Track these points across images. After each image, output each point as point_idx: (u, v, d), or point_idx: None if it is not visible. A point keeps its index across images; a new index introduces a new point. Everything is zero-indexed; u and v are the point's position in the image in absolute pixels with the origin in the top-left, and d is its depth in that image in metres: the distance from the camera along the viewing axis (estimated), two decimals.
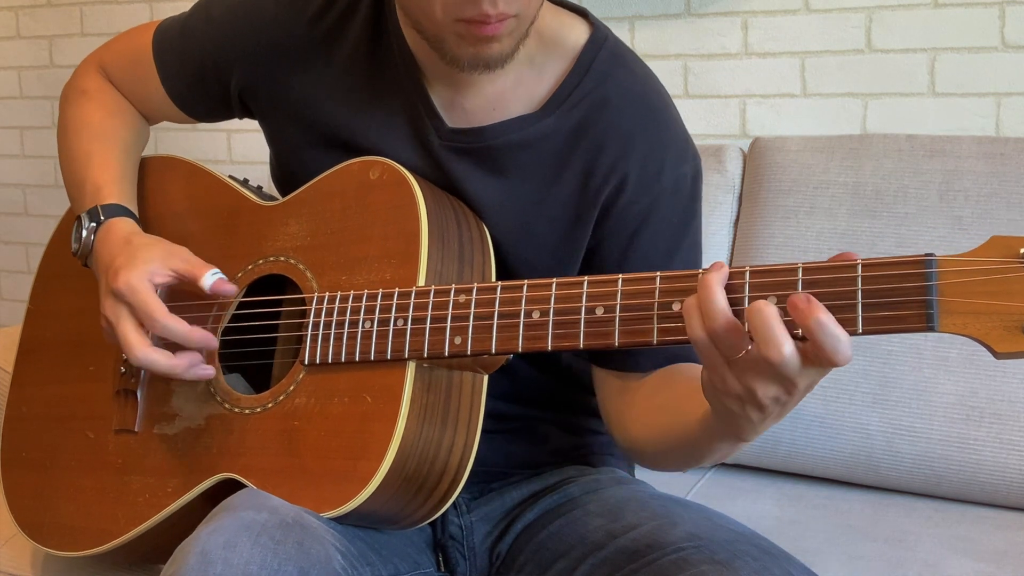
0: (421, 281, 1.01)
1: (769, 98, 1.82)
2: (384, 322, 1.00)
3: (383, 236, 1.05)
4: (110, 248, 1.12)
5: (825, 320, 0.75)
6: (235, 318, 1.13)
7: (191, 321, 1.06)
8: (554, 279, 0.93)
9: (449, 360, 0.99)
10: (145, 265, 1.07)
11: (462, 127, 1.11)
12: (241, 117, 1.25)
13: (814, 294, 0.78)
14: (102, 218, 1.15)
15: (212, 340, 1.07)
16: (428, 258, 1.02)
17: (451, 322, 0.97)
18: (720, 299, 0.80)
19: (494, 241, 1.11)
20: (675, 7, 1.85)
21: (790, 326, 0.77)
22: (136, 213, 1.19)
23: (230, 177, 1.23)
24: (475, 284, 0.98)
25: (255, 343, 1.12)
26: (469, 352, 0.96)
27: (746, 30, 1.81)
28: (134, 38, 1.26)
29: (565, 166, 1.09)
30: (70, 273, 1.24)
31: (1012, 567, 1.26)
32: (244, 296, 1.14)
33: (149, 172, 1.27)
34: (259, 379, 1.14)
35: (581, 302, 0.91)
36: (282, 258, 1.12)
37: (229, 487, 1.03)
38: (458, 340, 0.97)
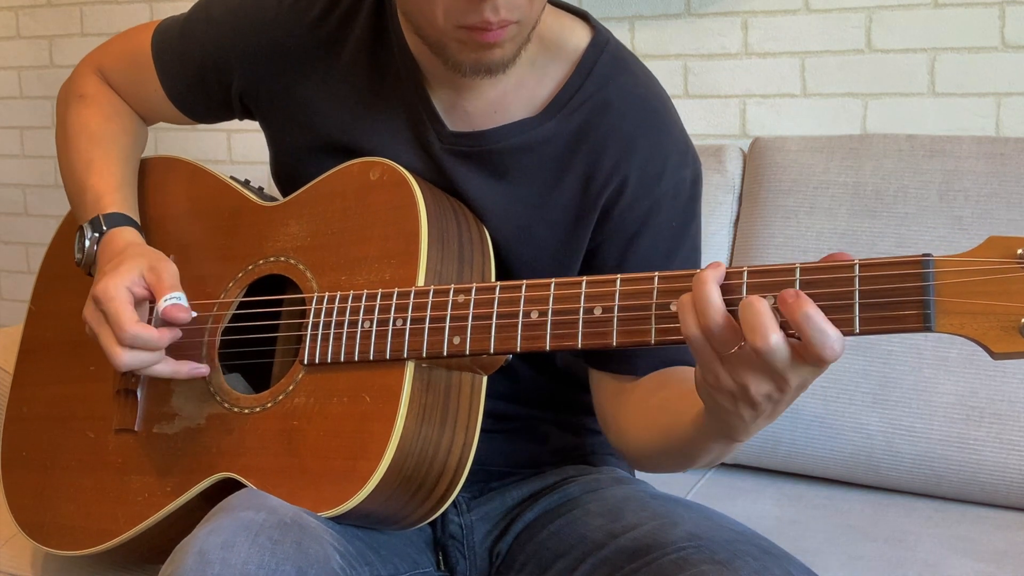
0: (420, 281, 1.01)
1: (769, 98, 1.82)
2: (383, 322, 1.00)
3: (383, 236, 1.05)
4: (108, 256, 1.12)
5: (812, 314, 0.76)
6: (235, 318, 1.13)
7: (192, 321, 1.07)
8: (553, 279, 0.94)
9: (448, 360, 0.99)
10: (128, 273, 1.07)
11: (463, 131, 1.11)
12: (241, 118, 1.25)
13: (811, 295, 0.78)
14: (104, 228, 1.15)
15: (179, 335, 1.07)
16: (428, 258, 1.02)
17: (450, 322, 0.97)
18: (714, 296, 0.80)
19: (494, 244, 1.11)
20: (675, 7, 1.85)
21: (784, 325, 0.78)
22: (138, 219, 1.19)
23: (231, 178, 1.23)
24: (474, 284, 0.98)
25: (255, 343, 1.12)
26: (468, 352, 0.96)
27: (746, 30, 1.81)
28: (132, 39, 1.26)
29: (566, 170, 1.09)
30: (71, 274, 1.24)
31: (1012, 567, 1.26)
32: (245, 296, 1.14)
33: (150, 172, 1.27)
34: (259, 379, 1.14)
35: (579, 302, 0.91)
36: (282, 258, 1.12)
37: (228, 487, 1.03)
38: (457, 340, 0.97)
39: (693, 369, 0.87)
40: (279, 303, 1.13)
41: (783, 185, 1.61)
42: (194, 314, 1.09)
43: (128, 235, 1.15)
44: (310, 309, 1.06)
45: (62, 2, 2.45)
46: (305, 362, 1.04)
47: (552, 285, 0.93)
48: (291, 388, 1.05)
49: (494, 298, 0.96)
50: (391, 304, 1.01)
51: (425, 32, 1.00)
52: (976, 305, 0.75)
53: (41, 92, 2.53)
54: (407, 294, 1.00)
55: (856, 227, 1.53)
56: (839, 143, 1.61)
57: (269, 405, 1.06)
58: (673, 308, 0.86)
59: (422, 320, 0.99)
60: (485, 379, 1.05)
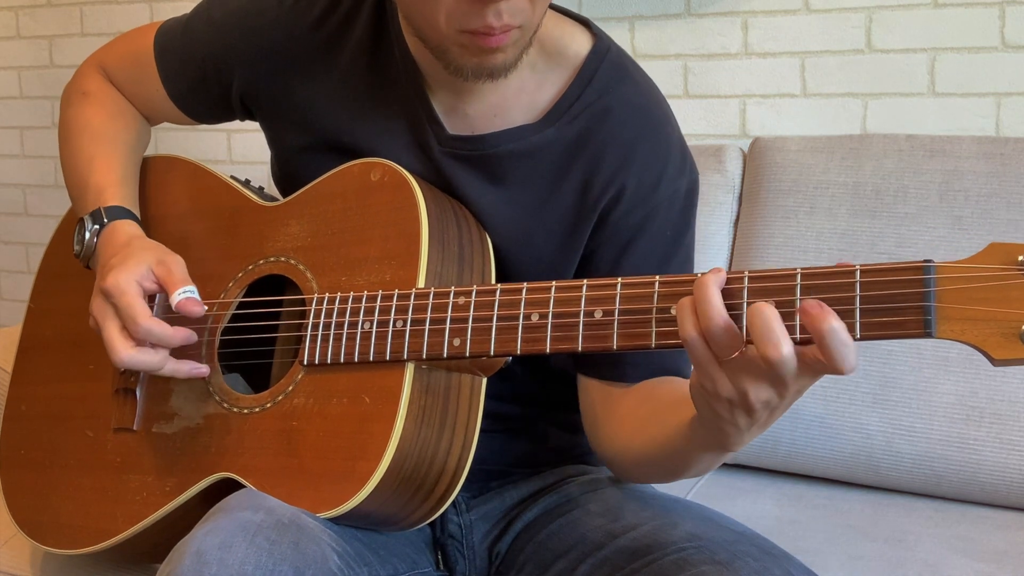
0: (421, 283, 1.01)
1: (769, 98, 1.82)
2: (383, 323, 1.00)
3: (383, 237, 1.05)
4: (111, 249, 1.12)
5: (837, 327, 0.75)
6: (235, 318, 1.13)
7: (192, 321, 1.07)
8: (553, 282, 0.93)
9: (448, 362, 0.99)
10: (137, 267, 1.07)
11: (463, 134, 1.11)
12: (242, 119, 1.25)
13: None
14: (105, 220, 1.15)
15: (193, 338, 1.07)
16: (428, 260, 1.02)
17: (450, 324, 0.97)
18: (715, 299, 0.80)
19: (492, 247, 1.11)
20: (675, 7, 1.85)
21: (789, 329, 0.77)
22: (138, 215, 1.19)
23: (231, 178, 1.23)
24: (474, 286, 0.98)
25: (255, 343, 1.12)
26: (468, 354, 0.96)
27: (746, 30, 1.81)
28: (135, 39, 1.26)
29: (564, 176, 1.09)
30: (71, 272, 1.24)
31: (1012, 567, 1.26)
32: (244, 296, 1.14)
33: (151, 172, 1.27)
34: (258, 379, 1.14)
35: (580, 305, 0.91)
36: (283, 258, 1.12)
37: (227, 487, 1.03)
38: (457, 342, 0.97)
39: (684, 381, 0.87)
40: (279, 303, 1.13)
41: (783, 185, 1.61)
42: (205, 308, 1.09)
43: (130, 228, 1.15)
44: (310, 310, 1.06)
45: (62, 2, 2.45)
46: (305, 363, 1.04)
47: (553, 288, 0.93)
48: (291, 388, 1.05)
49: (494, 300, 0.96)
50: (391, 305, 1.01)
51: (427, 36, 1.00)
52: (977, 311, 0.75)
53: (41, 92, 2.53)
54: (407, 295, 1.00)
55: (856, 227, 1.53)
56: (839, 143, 1.61)
57: (268, 405, 1.06)
58: (673, 312, 0.86)
59: (422, 321, 0.99)
60: (484, 381, 1.05)
